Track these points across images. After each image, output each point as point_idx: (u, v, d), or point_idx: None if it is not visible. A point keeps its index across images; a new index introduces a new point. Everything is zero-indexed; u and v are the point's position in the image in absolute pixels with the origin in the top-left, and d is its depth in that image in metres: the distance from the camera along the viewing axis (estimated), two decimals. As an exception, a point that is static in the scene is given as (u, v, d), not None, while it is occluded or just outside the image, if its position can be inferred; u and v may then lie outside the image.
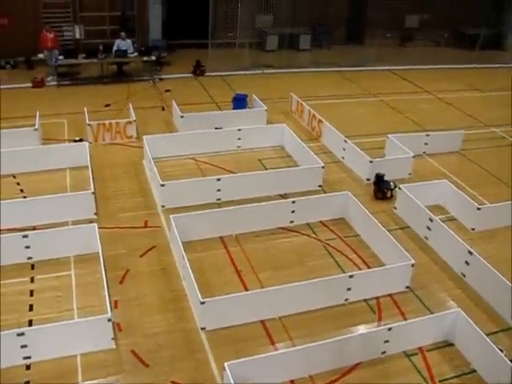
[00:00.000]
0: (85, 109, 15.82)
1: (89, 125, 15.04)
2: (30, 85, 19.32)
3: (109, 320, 8.60)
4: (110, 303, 9.15)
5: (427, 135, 15.84)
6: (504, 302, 9.82)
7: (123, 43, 20.42)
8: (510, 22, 28.04)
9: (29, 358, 8.35)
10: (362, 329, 9.36)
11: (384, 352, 8.87)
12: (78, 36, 21.71)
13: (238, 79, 21.10)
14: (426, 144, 15.70)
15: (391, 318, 9.62)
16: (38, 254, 10.43)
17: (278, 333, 9.23)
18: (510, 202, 12.58)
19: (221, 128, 15.56)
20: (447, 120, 18.24)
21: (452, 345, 9.19)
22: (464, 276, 10.79)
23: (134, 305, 9.64)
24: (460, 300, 10.20)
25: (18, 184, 13.11)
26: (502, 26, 28.29)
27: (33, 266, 10.39)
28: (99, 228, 10.85)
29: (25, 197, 12.49)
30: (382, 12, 24.52)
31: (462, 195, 12.78)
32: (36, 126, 14.74)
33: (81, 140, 14.89)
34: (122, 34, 20.53)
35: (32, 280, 10.06)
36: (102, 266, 9.84)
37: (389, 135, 15.33)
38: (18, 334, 8.19)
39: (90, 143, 14.76)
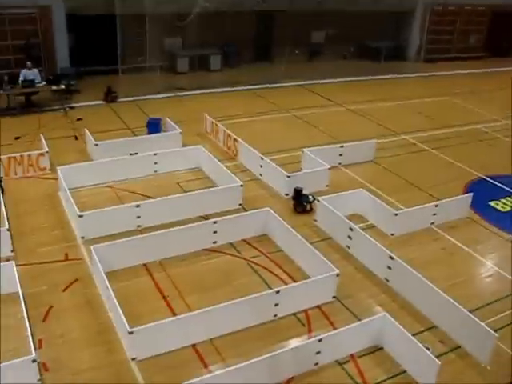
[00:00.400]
0: (-7, 143, 15.29)
1: (-1, 159, 14.53)
2: None
3: (33, 361, 8.25)
4: (34, 343, 8.80)
5: (341, 147, 16.25)
6: (427, 301, 10.19)
7: (30, 73, 19.86)
8: (408, 35, 29.50)
9: None
10: (293, 343, 9.42)
11: (317, 363, 8.97)
12: (-20, 68, 20.98)
13: (150, 103, 20.97)
14: (340, 155, 16.10)
15: (321, 329, 9.75)
16: (-47, 298, 9.93)
17: (210, 355, 9.16)
18: (424, 206, 13.10)
19: (136, 153, 15.39)
20: (359, 130, 18.79)
21: (382, 348, 9.42)
22: (388, 281, 11.09)
23: (60, 342, 9.31)
24: (386, 304, 10.48)
25: None
26: (401, 39, 29.74)
27: None
28: (17, 265, 10.45)
29: None
30: (289, 29, 25.03)
31: (379, 202, 13.17)
32: None
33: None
34: (28, 63, 19.96)
35: None
36: (23, 305, 9.43)
37: (304, 149, 15.62)
38: None
39: (2, 178, 14.23)
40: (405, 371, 8.99)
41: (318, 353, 8.90)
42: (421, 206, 13.17)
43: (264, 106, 21.55)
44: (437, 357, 8.63)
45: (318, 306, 10.37)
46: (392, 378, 8.90)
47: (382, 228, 12.98)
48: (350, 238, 12.07)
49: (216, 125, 17.62)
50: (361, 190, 13.74)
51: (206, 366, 8.94)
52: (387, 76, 26.55)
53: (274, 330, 9.80)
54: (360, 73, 26.12)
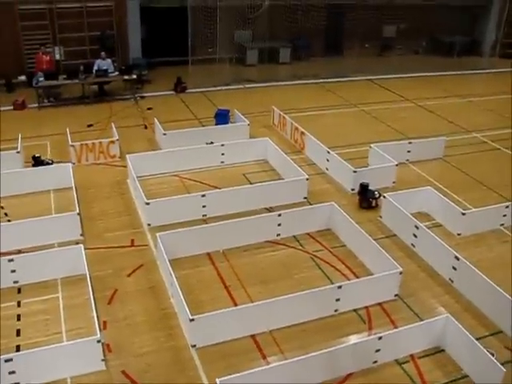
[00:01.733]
0: (67, 130, 15.79)
1: (72, 146, 14.99)
2: (11, 107, 19.24)
3: (98, 341, 8.53)
4: (99, 324, 9.10)
5: (410, 143, 15.96)
6: (493, 305, 9.89)
7: (103, 63, 20.44)
8: (483, 30, 28.57)
9: (18, 384, 8.26)
10: (352, 339, 9.35)
11: (375, 361, 8.87)
12: (58, 57, 21.70)
13: (219, 95, 21.17)
14: (408, 152, 15.81)
15: (381, 326, 9.64)
16: (25, 277, 10.34)
17: (268, 346, 9.21)
18: (494, 206, 12.72)
19: (212, 143, 15.59)
20: (429, 127, 18.39)
21: (443, 351, 9.22)
22: (452, 281, 10.84)
23: (123, 325, 9.57)
24: (449, 306, 10.25)
25: (2, 208, 13.01)
26: (476, 34, 28.85)
27: (19, 290, 10.29)
28: (85, 249, 10.79)
29: (9, 220, 12.39)
30: (360, 23, 24.75)
31: (447, 201, 12.87)
32: (18, 149, 14.67)
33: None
34: (102, 53, 20.57)
35: (19, 304, 9.96)
36: (90, 287, 9.76)
37: (372, 144, 15.43)
38: (6, 360, 8.09)
39: (74, 164, 14.71)
40: (467, 376, 8.76)
41: (378, 351, 8.80)
42: (490, 207, 12.77)
43: (332, 100, 21.37)
44: (502, 364, 8.33)
45: (380, 304, 10.25)
46: (453, 381, 8.69)
47: (448, 227, 12.68)
48: (415, 236, 11.85)
49: (284, 117, 17.62)
50: (428, 187, 13.46)
51: (264, 357, 8.99)
52: (460, 72, 25.82)
53: (333, 325, 9.75)
54: (432, 68, 25.50)
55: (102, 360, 8.65)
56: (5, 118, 18.30)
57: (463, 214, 12.36)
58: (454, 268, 10.73)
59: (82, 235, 11.87)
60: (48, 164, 14.56)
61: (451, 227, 12.62)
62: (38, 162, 14.49)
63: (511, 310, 9.49)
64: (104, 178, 14.55)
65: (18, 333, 9.30)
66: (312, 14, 24.74)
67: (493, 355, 8.51)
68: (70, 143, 15.04)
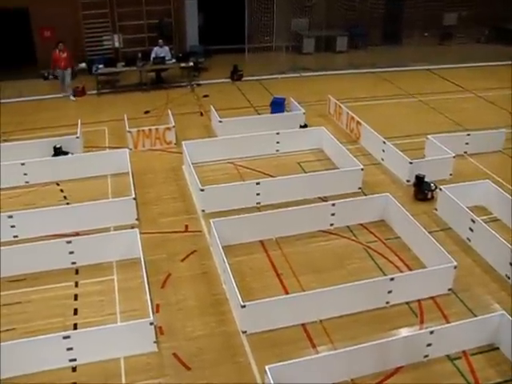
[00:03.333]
0: (125, 116, 16.10)
1: (129, 132, 15.28)
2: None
3: (151, 324, 8.71)
4: (152, 307, 9.27)
5: (468, 135, 15.59)
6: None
7: (161, 50, 20.70)
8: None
9: (74, 360, 8.52)
10: (403, 332, 9.25)
11: (426, 356, 8.75)
12: (117, 45, 22.15)
13: (275, 83, 21.16)
14: (466, 144, 15.45)
15: (433, 321, 9.49)
16: (82, 259, 10.65)
17: (318, 336, 9.21)
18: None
19: (306, 125, 15.91)
20: (489, 119, 17.90)
21: (497, 349, 9.01)
22: (509, 278, 10.57)
23: (175, 309, 9.75)
24: (504, 302, 9.97)
25: (62, 191, 13.41)
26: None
27: (77, 271, 10.60)
28: (140, 233, 11.02)
29: (68, 203, 12.76)
30: (419, 10, 24.25)
31: (506, 195, 12.53)
32: (78, 134, 15.06)
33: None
34: (160, 41, 20.83)
35: (76, 285, 10.27)
36: (144, 270, 9.95)
37: (428, 136, 15.15)
38: (64, 337, 8.38)
39: (131, 150, 14.99)
40: (522, 373, 8.58)
41: (429, 345, 8.67)
42: (552, 202, 12.38)
43: (390, 90, 21.04)
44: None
45: (433, 298, 10.09)
46: (507, 381, 8.45)
47: (506, 222, 12.34)
48: (471, 230, 11.61)
49: (339, 107, 17.48)
50: (486, 180, 13.13)
51: (314, 346, 9.00)
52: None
53: (385, 317, 9.67)
54: (494, 58, 24.72)
55: (154, 342, 8.84)
56: (65, 105, 18.85)
57: (522, 208, 12.03)
58: (511, 264, 10.47)
59: (137, 220, 12.11)
60: (66, 154, 14.61)
61: (509, 222, 12.29)
62: (57, 152, 14.55)
63: None
64: (160, 164, 14.78)
65: (76, 312, 9.60)
66: (370, 2, 24.42)
67: (551, 356, 8.31)
68: (128, 129, 15.34)
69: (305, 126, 16.20)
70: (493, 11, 25.64)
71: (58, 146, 14.51)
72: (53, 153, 14.50)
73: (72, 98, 19.54)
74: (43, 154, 14.27)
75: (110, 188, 13.52)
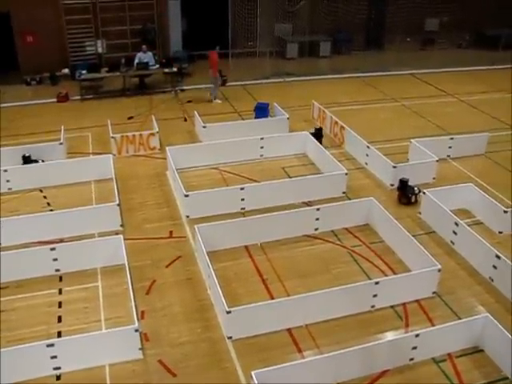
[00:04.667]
0: (108, 122, 16.03)
1: (113, 137, 15.21)
2: (54, 100, 19.62)
3: (136, 330, 8.67)
4: (137, 314, 9.24)
5: (451, 138, 15.71)
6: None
7: (144, 56, 20.64)
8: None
9: (59, 368, 8.46)
10: (389, 335, 9.30)
11: (412, 359, 8.79)
12: (100, 50, 22.05)
13: (259, 88, 21.18)
14: (450, 147, 15.57)
15: (419, 324, 9.54)
16: (66, 266, 10.58)
17: (304, 340, 9.22)
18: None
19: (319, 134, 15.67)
20: (471, 123, 18.07)
21: (482, 351, 9.07)
22: (492, 280, 10.66)
23: (160, 315, 9.71)
24: (488, 305, 10.08)
25: (45, 198, 13.32)
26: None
27: (61, 278, 10.53)
28: (125, 239, 10.96)
29: (52, 210, 12.67)
30: (402, 16, 24.42)
31: (488, 198, 12.64)
32: (61, 140, 14.97)
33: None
34: (144, 46, 20.77)
35: (60, 292, 10.20)
36: (129, 277, 9.92)
37: (412, 140, 15.24)
38: (48, 345, 8.32)
39: (114, 155, 14.92)
40: (507, 378, 8.60)
41: (415, 348, 8.72)
42: (534, 205, 12.53)
43: (373, 95, 21.16)
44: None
45: (417, 301, 10.15)
46: (492, 382, 8.55)
47: (489, 225, 12.46)
48: (454, 233, 11.69)
49: (323, 111, 17.54)
50: (469, 184, 13.24)
51: (300, 351, 9.00)
52: (505, 66, 25.21)
53: (370, 321, 9.70)
54: (475, 62, 24.98)
55: (140, 349, 8.80)
56: (49, 111, 18.72)
57: (505, 211, 12.11)
58: (495, 267, 10.55)
59: (121, 226, 12.06)
60: (36, 162, 14.41)
61: (492, 225, 12.40)
62: (27, 161, 14.35)
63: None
64: (144, 169, 14.73)
65: (60, 319, 9.53)
66: (353, 8, 24.54)
67: (534, 357, 8.38)
68: (111, 135, 15.27)
69: (318, 133, 15.75)
70: (473, 17, 25.88)
71: (26, 154, 14.36)
72: (22, 161, 14.35)
73: (218, 101, 19.70)
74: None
75: (94, 194, 13.45)
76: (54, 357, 8.36)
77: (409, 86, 22.32)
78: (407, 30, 25.32)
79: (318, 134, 15.54)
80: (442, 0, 25.04)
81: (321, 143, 14.74)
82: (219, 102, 19.60)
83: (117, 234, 11.42)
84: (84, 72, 20.01)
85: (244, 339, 9.19)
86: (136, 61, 20.55)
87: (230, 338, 9.18)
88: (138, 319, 8.99)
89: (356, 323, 9.62)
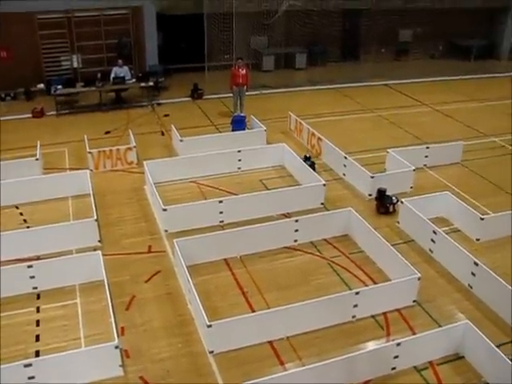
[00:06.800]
0: (85, 137, 15.92)
1: (89, 152, 15.11)
2: (29, 115, 19.45)
3: (116, 347, 8.56)
4: (117, 330, 9.13)
5: (427, 148, 15.87)
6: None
7: (120, 70, 20.59)
8: (501, 33, 28.39)
9: (37, 388, 8.31)
10: (370, 345, 9.30)
11: (394, 368, 8.80)
12: (75, 65, 21.92)
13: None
14: (426, 157, 15.72)
15: (400, 333, 9.57)
16: (43, 283, 10.42)
17: (286, 353, 9.18)
18: (512, 211, 12.61)
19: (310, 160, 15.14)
20: (446, 132, 18.28)
21: (462, 357, 9.12)
22: (471, 287, 10.74)
23: (140, 331, 9.60)
24: (468, 312, 10.15)
25: (21, 214, 13.14)
26: (493, 37, 28.67)
27: (38, 296, 10.37)
28: (103, 255, 10.85)
29: (28, 227, 12.52)
30: (376, 28, 24.70)
31: (465, 206, 12.77)
32: (37, 156, 14.82)
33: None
34: (119, 61, 20.73)
35: (38, 310, 10.03)
36: (108, 293, 9.81)
37: (389, 150, 15.36)
38: (26, 365, 8.15)
39: (92, 171, 14.81)
40: (487, 383, 8.66)
41: (396, 357, 8.73)
42: (509, 212, 12.62)
43: (349, 106, 21.34)
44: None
45: (398, 310, 10.18)
46: (473, 389, 8.63)
47: (467, 233, 12.57)
48: (433, 241, 11.77)
49: (300, 123, 17.61)
50: (446, 192, 13.36)
51: (281, 364, 8.96)
52: (477, 76, 25.64)
53: (351, 331, 9.70)
54: (449, 72, 25.35)
55: (120, 366, 8.68)
56: (24, 126, 18.54)
57: (482, 219, 12.24)
58: (473, 274, 10.63)
59: (99, 241, 11.94)
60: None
61: (470, 232, 12.52)
62: None
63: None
64: (121, 184, 14.63)
65: (37, 338, 9.37)
66: (328, 20, 24.74)
67: (514, 362, 8.44)
68: (88, 150, 15.16)
69: (309, 161, 15.18)
70: (446, 28, 26.30)
71: None
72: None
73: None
74: (2, 177, 13.97)
75: (71, 210, 13.30)
76: (32, 377, 8.19)
77: (384, 97, 22.55)
78: (382, 41, 25.65)
79: (311, 166, 14.90)
80: (415, 11, 25.38)
81: (314, 170, 14.59)
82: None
83: (95, 249, 11.30)
84: (59, 87, 19.88)
85: (225, 353, 9.12)
86: (112, 75, 20.50)
87: (212, 352, 9.12)
88: (118, 336, 8.89)
89: (337, 334, 9.61)
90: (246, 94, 19.69)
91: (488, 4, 27.30)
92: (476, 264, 10.56)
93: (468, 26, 26.90)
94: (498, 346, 8.71)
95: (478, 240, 12.31)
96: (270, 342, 9.36)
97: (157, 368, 8.84)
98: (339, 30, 26.18)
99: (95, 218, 12.06)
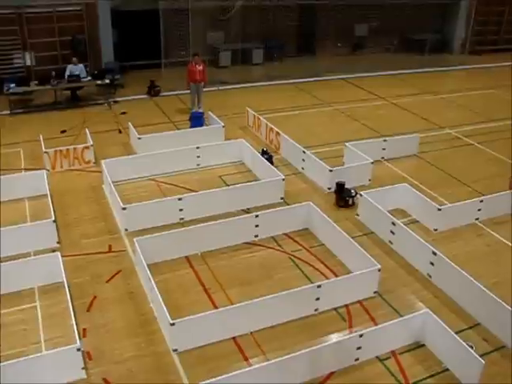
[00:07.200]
0: (40, 136, 15.63)
1: (45, 152, 14.83)
2: (-18, 116, 19.02)
3: (78, 349, 8.44)
4: (79, 332, 8.99)
5: (384, 141, 16.07)
6: (470, 298, 10.01)
7: (75, 68, 20.25)
8: (453, 28, 28.98)
9: (-3, 395, 8.15)
10: (333, 337, 9.38)
11: (357, 359, 8.91)
12: (28, 63, 21.47)
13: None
14: (383, 149, 15.92)
15: (362, 324, 9.68)
16: (1, 287, 10.18)
17: (250, 348, 9.19)
18: (469, 201, 12.88)
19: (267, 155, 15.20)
20: (403, 124, 18.55)
21: (423, 346, 9.29)
22: (430, 277, 10.94)
23: (102, 332, 9.49)
24: (428, 301, 10.33)
25: (-24, 217, 12.84)
26: (446, 31, 29.28)
27: (-4, 301, 10.16)
28: (62, 256, 10.68)
29: (-17, 230, 12.22)
30: (332, 22, 24.89)
31: (423, 197, 12.99)
32: (-9, 157, 14.51)
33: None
34: (74, 58, 20.37)
35: (-4, 315, 9.83)
36: (68, 294, 9.66)
37: (346, 143, 15.50)
38: (-16, 372, 7.99)
39: (48, 171, 14.55)
40: (447, 369, 8.83)
41: (359, 348, 8.84)
42: (465, 202, 12.92)
43: (307, 100, 21.46)
44: (481, 356, 8.45)
45: (360, 301, 10.29)
46: (434, 376, 8.76)
47: (425, 223, 12.79)
48: (392, 232, 11.94)
49: (258, 118, 17.63)
50: (404, 184, 13.57)
51: (246, 359, 8.98)
52: (431, 69, 26.10)
53: (314, 324, 9.77)
54: (404, 66, 25.74)
55: (83, 368, 8.56)
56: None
57: (439, 209, 12.48)
58: (432, 263, 10.83)
59: (58, 243, 11.74)
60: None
61: (428, 223, 12.74)
62: None
63: (489, 303, 9.63)
64: (79, 184, 14.41)
65: (-4, 344, 9.18)
66: (284, 15, 24.84)
67: (472, 348, 8.63)
68: (44, 150, 14.87)
69: (266, 154, 15.28)
70: (400, 22, 26.70)
71: None
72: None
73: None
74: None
75: (28, 211, 13.03)
76: (-8, 383, 8.05)
77: (341, 91, 22.76)
78: (338, 36, 25.87)
79: (269, 160, 15.01)
80: (370, 6, 25.67)
81: (272, 164, 14.68)
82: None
83: (53, 251, 11.13)
84: (12, 85, 19.42)
85: (189, 351, 9.09)
86: (67, 73, 20.15)
87: (175, 350, 9.07)
88: (79, 338, 8.76)
89: (300, 327, 9.68)
90: (204, 90, 19.59)
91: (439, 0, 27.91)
92: (434, 254, 10.76)
93: (422, 21, 27.39)
94: (456, 333, 8.92)
95: (435, 230, 12.54)
96: (234, 338, 9.36)
97: (120, 369, 8.75)
98: (296, 24, 26.35)
99: (53, 218, 11.86)
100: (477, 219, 12.95)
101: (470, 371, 8.41)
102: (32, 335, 9.32)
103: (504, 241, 12.35)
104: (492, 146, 17.19)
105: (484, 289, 9.76)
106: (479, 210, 12.92)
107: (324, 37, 25.60)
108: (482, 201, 12.95)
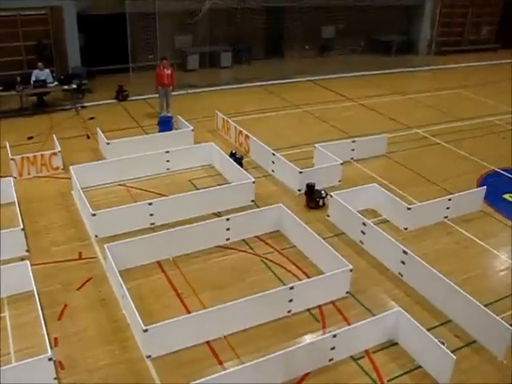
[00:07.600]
0: (6, 143, 15.37)
1: (12, 159, 14.59)
2: None
3: (49, 359, 8.30)
4: (50, 341, 8.85)
5: (353, 141, 16.19)
6: (441, 295, 10.14)
7: (41, 73, 19.96)
8: (418, 29, 29.40)
9: (-34, 409, 7.98)
10: (307, 338, 9.41)
11: (331, 359, 8.95)
12: (-8, 68, 21.11)
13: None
14: (352, 150, 16.04)
15: (335, 324, 9.73)
16: (-31, 298, 10.02)
17: (224, 352, 9.17)
18: (438, 199, 13.05)
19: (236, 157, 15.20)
20: (371, 125, 18.72)
21: (396, 344, 9.38)
22: (401, 275, 11.05)
23: (75, 340, 9.36)
24: (400, 299, 10.44)
25: None
26: (412, 33, 29.70)
27: (-37, 312, 9.96)
28: (32, 265, 10.51)
29: (-51, 240, 11.97)
30: (299, 24, 25.02)
31: (392, 197, 13.12)
32: (-45, 166, 14.23)
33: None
34: (40, 63, 20.08)
35: (-37, 327, 9.64)
36: (38, 303, 9.51)
37: (316, 144, 15.57)
38: (-47, 386, 7.83)
39: (15, 178, 14.32)
40: (420, 366, 8.95)
41: (333, 348, 8.89)
42: (434, 200, 13.10)
43: (275, 102, 21.51)
44: (452, 351, 8.58)
45: (332, 302, 10.35)
46: (407, 373, 8.87)
47: (395, 222, 12.93)
48: (363, 232, 12.03)
49: (227, 122, 17.61)
50: (373, 184, 13.69)
51: (220, 363, 8.95)
52: (398, 70, 26.44)
53: (288, 326, 9.80)
54: (371, 67, 26.03)
55: (55, 378, 8.42)
56: None
57: (409, 208, 12.61)
58: (403, 262, 10.95)
59: (27, 251, 11.56)
60: None
61: (398, 222, 12.87)
62: None
63: (459, 299, 9.77)
64: (48, 191, 14.21)
65: (-36, 357, 9.00)
66: (252, 18, 24.86)
67: (443, 344, 8.74)
68: (11, 157, 14.64)
69: (235, 156, 15.33)
70: (367, 24, 26.96)
71: None
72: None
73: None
74: None
75: (-5, 220, 12.84)
76: (-39, 397, 7.89)
77: (310, 93, 22.89)
78: (305, 38, 26.04)
79: (238, 162, 15.03)
80: (337, 8, 25.86)
81: (241, 166, 14.70)
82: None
83: (22, 259, 10.96)
84: (-24, 92, 19.12)
85: (163, 356, 9.03)
86: (33, 78, 19.83)
87: (149, 356, 9.00)
88: (51, 347, 8.61)
89: (274, 329, 9.69)
90: (172, 94, 19.51)
91: (406, 1, 28.26)
92: (405, 252, 10.88)
93: (388, 22, 27.72)
94: (428, 330, 9.05)
95: (405, 229, 12.68)
96: (208, 342, 9.33)
97: (94, 377, 8.64)
98: (263, 27, 26.34)
99: (22, 226, 11.68)
100: (446, 217, 13.14)
101: (442, 367, 8.54)
102: (2, 346, 9.14)
103: (472, 238, 12.56)
104: (460, 145, 17.48)
105: (454, 286, 9.91)
106: (448, 208, 13.11)
107: (292, 39, 25.74)
108: (450, 199, 13.14)
